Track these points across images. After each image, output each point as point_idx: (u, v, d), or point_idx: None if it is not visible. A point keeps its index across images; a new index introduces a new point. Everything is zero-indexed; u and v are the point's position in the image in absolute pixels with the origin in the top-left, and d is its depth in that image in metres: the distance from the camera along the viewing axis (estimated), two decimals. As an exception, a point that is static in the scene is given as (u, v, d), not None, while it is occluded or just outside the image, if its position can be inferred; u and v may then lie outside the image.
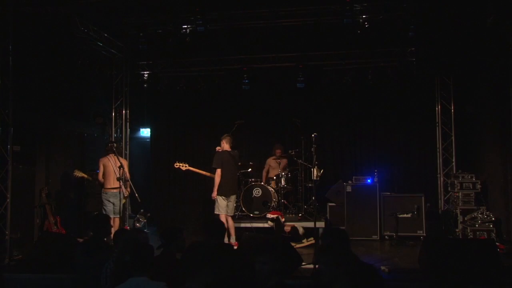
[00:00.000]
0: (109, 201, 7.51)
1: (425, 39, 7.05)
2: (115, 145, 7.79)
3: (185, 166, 8.29)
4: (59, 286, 4.45)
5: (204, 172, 8.23)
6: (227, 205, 7.44)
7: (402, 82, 9.11)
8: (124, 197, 7.68)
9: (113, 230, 7.32)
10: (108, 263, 3.86)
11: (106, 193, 7.52)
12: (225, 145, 7.58)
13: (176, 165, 8.37)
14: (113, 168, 7.48)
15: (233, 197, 7.58)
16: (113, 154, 7.55)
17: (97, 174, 7.71)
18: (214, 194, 7.42)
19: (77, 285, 3.89)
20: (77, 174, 8.15)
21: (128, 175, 7.61)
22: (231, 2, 7.71)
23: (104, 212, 7.48)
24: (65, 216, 8.56)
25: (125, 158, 9.78)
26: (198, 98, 9.86)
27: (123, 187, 7.37)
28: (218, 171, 7.40)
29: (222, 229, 4.45)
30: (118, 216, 7.52)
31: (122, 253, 3.63)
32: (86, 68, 8.55)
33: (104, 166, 7.53)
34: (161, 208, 9.97)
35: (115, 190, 7.43)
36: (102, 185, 7.58)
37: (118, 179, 7.32)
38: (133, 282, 3.04)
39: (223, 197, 7.41)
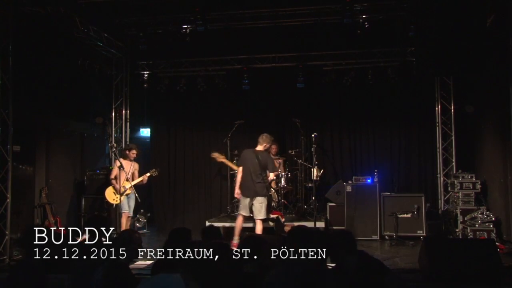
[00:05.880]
0: None
1: (425, 39, 7.04)
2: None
3: (222, 158, 8.26)
4: (59, 286, 4.44)
5: (235, 167, 8.06)
6: (248, 206, 7.08)
7: (402, 82, 9.11)
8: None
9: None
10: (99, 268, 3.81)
11: None
12: (260, 145, 7.22)
13: (213, 155, 8.33)
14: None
15: (257, 199, 7.03)
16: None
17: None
18: (235, 191, 7.25)
19: (74, 285, 3.87)
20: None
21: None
22: (231, 2, 7.73)
23: None
24: (65, 216, 8.57)
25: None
26: (198, 98, 9.86)
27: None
28: (239, 168, 7.24)
29: (217, 233, 4.71)
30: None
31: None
32: (86, 68, 8.55)
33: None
34: (161, 208, 9.96)
35: None
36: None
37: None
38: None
39: (243, 197, 7.12)
